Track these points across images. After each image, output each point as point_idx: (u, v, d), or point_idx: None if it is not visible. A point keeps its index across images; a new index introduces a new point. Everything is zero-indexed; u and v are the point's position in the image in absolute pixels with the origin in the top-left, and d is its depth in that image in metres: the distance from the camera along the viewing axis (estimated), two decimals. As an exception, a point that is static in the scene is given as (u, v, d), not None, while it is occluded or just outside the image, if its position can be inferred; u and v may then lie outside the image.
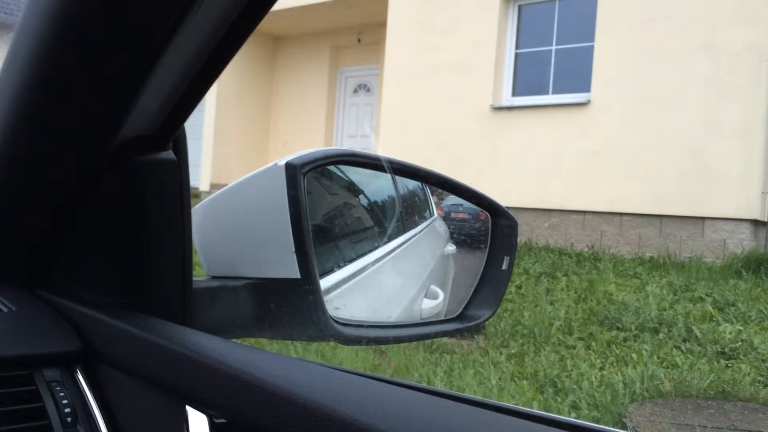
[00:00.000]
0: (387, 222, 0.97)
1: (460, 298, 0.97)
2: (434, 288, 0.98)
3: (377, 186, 0.95)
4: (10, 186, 0.67)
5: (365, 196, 0.95)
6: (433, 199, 1.07)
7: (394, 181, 0.96)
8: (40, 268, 0.73)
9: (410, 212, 1.02)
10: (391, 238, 0.95)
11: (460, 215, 1.05)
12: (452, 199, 1.05)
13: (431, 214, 1.06)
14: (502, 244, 0.98)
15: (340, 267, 0.84)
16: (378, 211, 0.96)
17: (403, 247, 0.97)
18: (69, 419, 0.59)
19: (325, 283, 0.77)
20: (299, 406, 0.47)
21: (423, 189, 1.04)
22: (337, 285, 0.81)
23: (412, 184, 1.02)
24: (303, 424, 0.47)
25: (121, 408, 0.62)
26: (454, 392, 0.63)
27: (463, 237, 1.04)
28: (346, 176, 0.90)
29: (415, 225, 1.02)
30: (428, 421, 0.44)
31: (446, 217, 1.06)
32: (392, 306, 0.96)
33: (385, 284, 0.98)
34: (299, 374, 0.51)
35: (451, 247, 1.03)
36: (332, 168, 0.85)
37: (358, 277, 0.86)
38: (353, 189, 0.93)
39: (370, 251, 0.90)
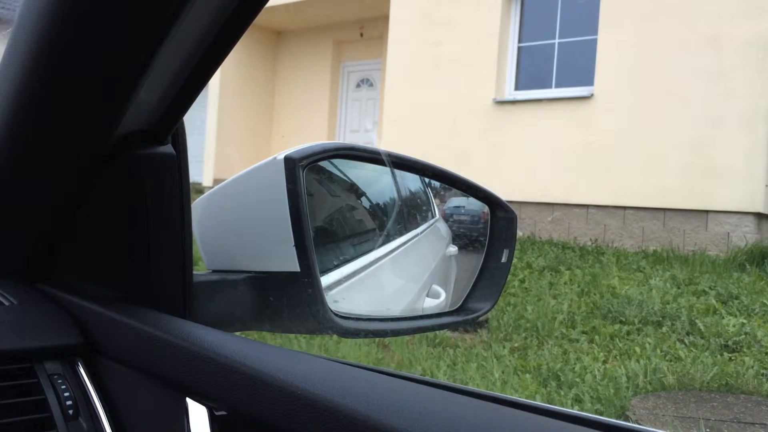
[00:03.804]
0: (388, 221, 0.96)
1: (460, 291, 0.98)
2: (436, 287, 0.98)
3: (379, 186, 0.95)
4: (11, 181, 0.67)
5: (367, 197, 0.95)
6: (435, 201, 1.06)
7: (395, 181, 0.96)
8: (42, 262, 0.74)
9: (412, 212, 1.01)
10: (392, 238, 0.95)
11: (462, 217, 1.05)
12: (454, 201, 1.05)
13: (433, 215, 1.06)
14: (501, 237, 0.98)
15: (340, 265, 0.84)
16: (379, 211, 0.96)
17: (404, 247, 0.97)
18: (70, 411, 0.60)
19: (325, 281, 0.77)
20: (298, 397, 0.48)
21: (425, 190, 1.04)
22: (338, 283, 0.81)
23: (414, 185, 1.01)
24: (302, 416, 0.47)
25: (122, 400, 0.63)
26: (454, 384, 0.63)
27: (464, 239, 1.04)
28: (348, 178, 0.90)
29: (417, 225, 1.02)
30: (426, 412, 0.44)
31: (448, 219, 1.06)
32: (393, 304, 0.96)
33: (387, 283, 0.98)
34: (299, 366, 0.52)
35: (453, 248, 1.03)
36: (333, 170, 0.85)
37: (358, 276, 0.86)
38: (355, 189, 0.93)
39: (371, 250, 0.90)
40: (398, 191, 0.97)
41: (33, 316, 0.67)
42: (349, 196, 0.93)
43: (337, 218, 0.89)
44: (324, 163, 0.82)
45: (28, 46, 0.56)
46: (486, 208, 1.00)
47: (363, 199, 0.95)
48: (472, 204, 1.03)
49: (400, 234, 0.97)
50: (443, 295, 0.97)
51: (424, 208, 1.04)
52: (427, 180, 1.02)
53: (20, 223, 0.71)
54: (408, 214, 0.99)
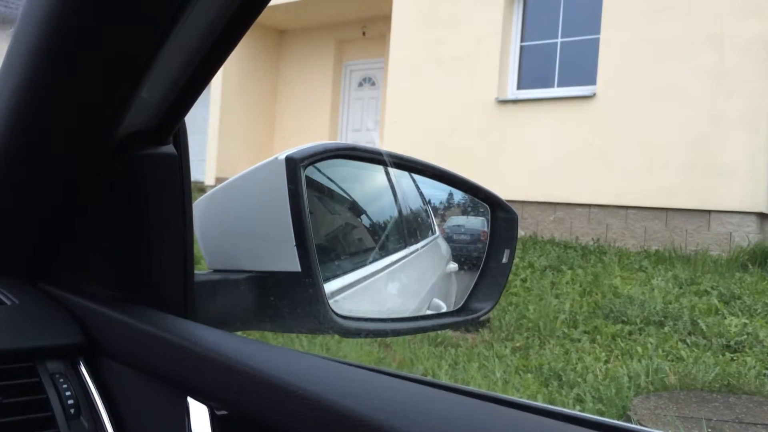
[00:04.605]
0: (388, 237, 0.96)
1: (461, 291, 0.98)
2: (437, 301, 0.98)
3: (380, 202, 0.96)
4: (12, 180, 0.68)
5: (367, 215, 0.95)
6: (435, 221, 1.07)
7: (396, 198, 0.96)
8: (43, 262, 0.74)
9: (412, 228, 1.02)
10: (391, 252, 0.95)
11: (462, 237, 1.05)
12: (454, 220, 1.05)
13: (433, 233, 1.06)
14: (502, 237, 0.98)
15: (338, 276, 0.83)
16: (379, 228, 0.96)
17: (403, 262, 0.97)
18: (72, 411, 0.60)
19: (327, 288, 0.77)
20: (299, 397, 0.48)
21: (425, 207, 1.04)
22: (339, 291, 0.81)
23: (414, 202, 1.02)
24: (302, 416, 0.47)
25: (123, 400, 0.63)
26: (455, 384, 0.64)
27: (464, 258, 1.04)
28: (349, 196, 0.91)
29: (417, 241, 1.02)
30: (427, 413, 0.44)
31: (449, 239, 1.06)
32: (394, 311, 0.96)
33: (386, 297, 0.98)
34: (299, 366, 0.52)
35: (453, 265, 1.04)
36: (335, 188, 0.85)
37: (355, 288, 0.86)
38: (355, 204, 0.93)
39: (370, 263, 0.90)
40: (398, 207, 0.98)
41: (34, 315, 0.67)
42: (348, 211, 0.93)
43: (338, 233, 0.89)
44: (324, 170, 0.81)
45: (30, 45, 0.56)
46: (486, 228, 1.00)
47: (363, 218, 0.95)
48: (471, 223, 1.03)
49: (400, 249, 0.97)
50: (444, 309, 0.97)
51: (424, 225, 1.05)
52: (427, 198, 1.03)
53: (22, 223, 0.71)
54: (407, 229, 1.00)
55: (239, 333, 0.72)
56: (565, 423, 0.49)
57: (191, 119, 0.68)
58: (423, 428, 0.42)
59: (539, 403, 0.57)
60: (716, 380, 3.92)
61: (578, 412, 0.54)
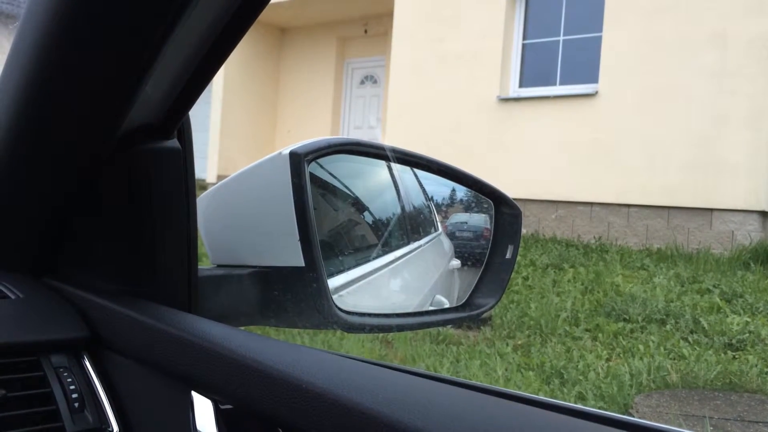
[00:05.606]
0: (391, 234, 0.96)
1: (464, 288, 0.98)
2: (439, 297, 0.98)
3: (382, 199, 0.96)
4: (17, 175, 0.68)
5: (370, 212, 0.95)
6: (438, 218, 1.07)
7: (399, 195, 0.96)
8: (48, 256, 0.74)
9: (415, 225, 1.02)
10: (394, 249, 0.95)
11: (465, 233, 1.05)
12: (457, 217, 1.05)
13: (435, 230, 1.06)
14: (506, 233, 0.98)
15: (343, 271, 0.83)
16: (382, 225, 0.96)
17: (406, 258, 0.97)
18: (76, 404, 0.60)
19: (330, 283, 0.77)
20: (303, 391, 0.48)
21: (428, 204, 1.04)
22: (343, 287, 0.81)
23: (417, 199, 1.02)
24: (307, 409, 0.47)
25: (127, 393, 0.63)
26: (459, 379, 0.64)
27: (466, 255, 1.04)
28: (352, 192, 0.91)
29: (420, 237, 1.02)
30: (431, 406, 0.44)
31: (451, 236, 1.06)
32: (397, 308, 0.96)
33: (390, 294, 0.98)
34: (303, 360, 0.52)
35: (456, 262, 1.04)
36: (339, 184, 0.86)
37: (358, 284, 0.86)
38: (358, 204, 0.93)
39: (373, 260, 0.90)
40: (401, 203, 0.98)
41: (39, 309, 0.67)
42: (351, 207, 0.93)
43: (339, 228, 0.89)
44: (327, 166, 0.81)
45: (34, 41, 0.56)
46: (488, 225, 1.00)
47: (366, 215, 0.95)
48: (474, 220, 1.03)
49: (403, 245, 0.97)
50: (446, 305, 0.97)
51: (427, 221, 1.05)
52: (429, 195, 1.03)
53: (27, 217, 0.71)
54: (410, 226, 1.00)
55: (242, 328, 0.73)
56: (569, 416, 0.49)
57: (192, 116, 0.68)
58: (427, 421, 0.42)
59: (543, 397, 0.57)
60: (718, 378, 3.92)
61: (582, 406, 0.54)
